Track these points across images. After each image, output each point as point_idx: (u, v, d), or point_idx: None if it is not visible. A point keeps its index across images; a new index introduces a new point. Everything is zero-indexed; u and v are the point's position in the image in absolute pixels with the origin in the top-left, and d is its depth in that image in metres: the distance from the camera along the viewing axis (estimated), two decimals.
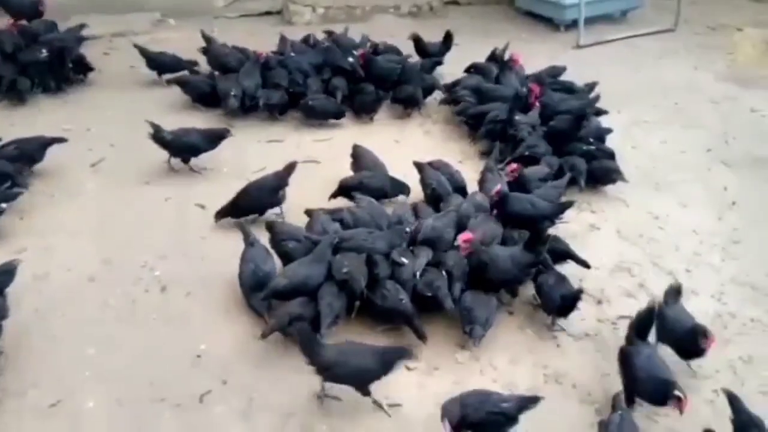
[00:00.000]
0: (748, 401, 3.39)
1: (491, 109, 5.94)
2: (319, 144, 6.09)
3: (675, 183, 5.67)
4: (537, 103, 5.96)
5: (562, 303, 4.09)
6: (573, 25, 8.32)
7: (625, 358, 3.66)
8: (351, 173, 5.29)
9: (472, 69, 6.87)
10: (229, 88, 6.33)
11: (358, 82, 6.56)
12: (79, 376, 3.81)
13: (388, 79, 6.61)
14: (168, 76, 6.83)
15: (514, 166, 5.05)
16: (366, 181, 5.12)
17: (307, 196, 5.12)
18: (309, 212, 4.75)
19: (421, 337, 3.99)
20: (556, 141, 5.56)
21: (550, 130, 5.67)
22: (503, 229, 4.62)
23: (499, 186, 4.77)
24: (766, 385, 3.86)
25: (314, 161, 5.76)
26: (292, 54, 6.77)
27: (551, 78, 6.59)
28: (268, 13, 9.01)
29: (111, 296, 4.36)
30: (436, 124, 6.51)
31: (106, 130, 6.16)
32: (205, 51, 6.84)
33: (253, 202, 4.99)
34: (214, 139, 5.58)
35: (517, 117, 5.78)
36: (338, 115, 6.37)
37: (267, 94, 6.33)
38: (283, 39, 7.11)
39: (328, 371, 3.56)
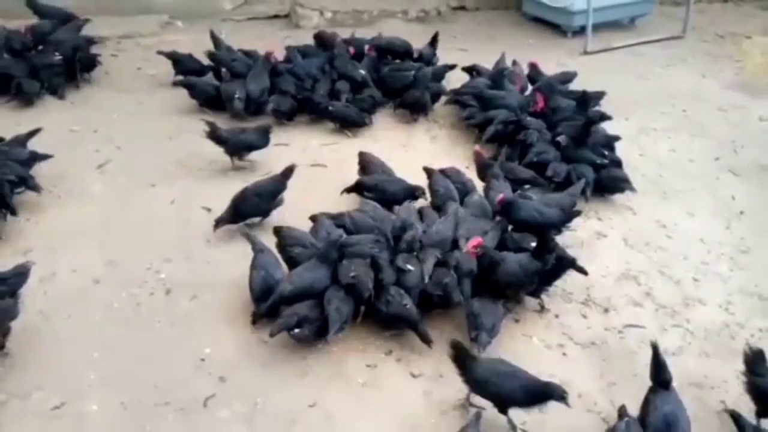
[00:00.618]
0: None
1: (499, 115, 5.91)
2: (325, 148, 6.07)
3: (683, 191, 5.65)
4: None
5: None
6: (580, 31, 8.29)
7: None
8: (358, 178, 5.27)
9: (474, 71, 6.84)
10: (233, 90, 6.34)
11: (362, 87, 6.56)
12: (83, 378, 3.80)
13: (399, 88, 6.61)
14: (177, 78, 6.82)
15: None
16: (381, 185, 5.13)
17: (313, 200, 5.10)
18: (313, 218, 4.74)
19: (427, 341, 3.99)
20: (564, 148, 5.54)
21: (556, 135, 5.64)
22: (506, 233, 4.62)
23: (502, 194, 4.75)
24: None
25: (321, 165, 5.75)
26: (299, 57, 6.80)
27: (561, 84, 6.58)
28: (275, 16, 9.01)
29: (116, 299, 4.35)
30: (443, 129, 6.49)
31: (113, 131, 6.15)
32: (212, 55, 6.83)
33: (251, 207, 4.95)
34: (265, 135, 5.62)
35: (528, 118, 5.80)
36: (359, 124, 6.31)
37: (277, 101, 6.33)
38: (289, 48, 7.07)
39: (478, 387, 3.59)
